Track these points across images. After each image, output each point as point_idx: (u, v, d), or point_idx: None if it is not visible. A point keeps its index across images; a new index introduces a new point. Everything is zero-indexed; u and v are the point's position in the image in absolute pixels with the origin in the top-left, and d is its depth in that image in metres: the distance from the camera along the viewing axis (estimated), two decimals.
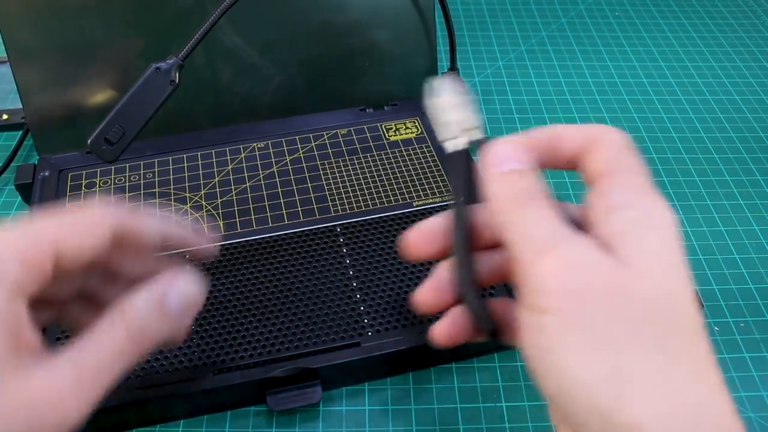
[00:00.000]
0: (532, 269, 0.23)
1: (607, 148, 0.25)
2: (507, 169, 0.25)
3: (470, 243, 0.27)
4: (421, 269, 0.41)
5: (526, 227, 0.24)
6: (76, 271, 0.26)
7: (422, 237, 0.28)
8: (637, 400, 0.21)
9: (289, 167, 0.48)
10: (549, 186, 0.24)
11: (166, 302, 0.26)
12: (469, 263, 0.26)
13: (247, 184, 0.47)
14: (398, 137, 0.50)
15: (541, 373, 0.24)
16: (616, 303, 0.22)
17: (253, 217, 0.44)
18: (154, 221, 0.29)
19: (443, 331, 0.28)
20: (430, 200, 0.45)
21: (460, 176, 0.28)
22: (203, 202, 0.45)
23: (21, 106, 0.48)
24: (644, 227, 0.23)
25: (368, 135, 0.50)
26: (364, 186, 0.46)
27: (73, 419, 0.24)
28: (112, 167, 0.48)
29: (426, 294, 0.28)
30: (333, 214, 0.44)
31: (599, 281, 0.22)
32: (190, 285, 0.28)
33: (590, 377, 0.21)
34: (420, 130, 0.50)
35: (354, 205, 0.45)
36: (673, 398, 0.21)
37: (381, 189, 0.46)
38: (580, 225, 0.24)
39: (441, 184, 0.46)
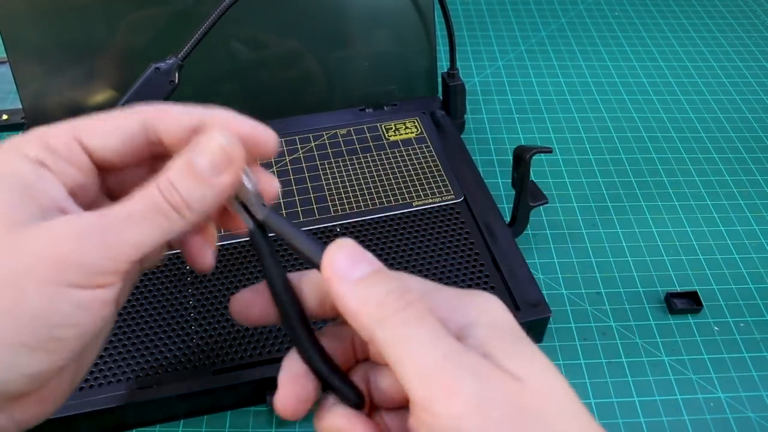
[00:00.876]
0: (435, 409, 0.20)
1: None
2: (362, 274, 0.22)
3: (304, 318, 0.24)
4: (421, 270, 0.41)
5: (414, 350, 0.21)
6: (112, 161, 0.24)
7: (244, 305, 0.26)
8: None
9: (289, 167, 0.48)
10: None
11: (194, 162, 0.23)
12: (312, 342, 0.24)
13: None
14: (398, 137, 0.50)
15: None
16: (520, 424, 0.20)
17: None
18: (182, 112, 0.25)
19: (289, 407, 0.26)
20: (430, 200, 0.45)
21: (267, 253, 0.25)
22: None
23: (21, 106, 0.48)
24: (502, 337, 0.23)
25: (368, 135, 0.50)
26: (363, 186, 0.46)
27: (99, 272, 0.22)
28: None
29: (287, 396, 0.25)
30: (333, 214, 0.44)
31: (503, 406, 0.20)
32: (219, 141, 0.24)
33: None
34: (420, 130, 0.50)
35: (354, 205, 0.45)
36: None
37: (381, 189, 0.46)
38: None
39: (441, 184, 0.46)
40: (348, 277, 0.22)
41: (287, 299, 0.24)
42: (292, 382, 0.25)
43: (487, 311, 0.23)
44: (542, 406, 0.21)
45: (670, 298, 0.43)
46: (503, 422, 0.20)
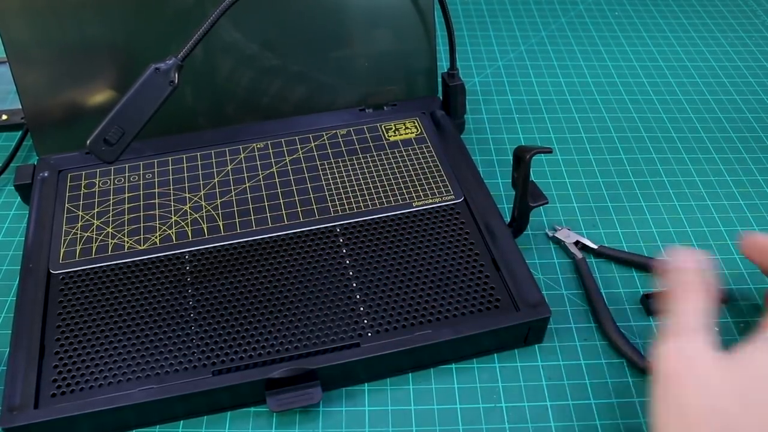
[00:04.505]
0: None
1: None
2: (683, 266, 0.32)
3: None
4: (421, 270, 0.41)
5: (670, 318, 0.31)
6: None
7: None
8: None
9: (289, 167, 0.48)
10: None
11: None
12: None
13: (247, 185, 0.47)
14: (398, 137, 0.50)
15: None
16: (696, 389, 0.28)
17: (252, 217, 0.44)
18: None
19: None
20: (430, 200, 0.45)
21: None
22: (203, 203, 0.45)
23: (21, 106, 0.48)
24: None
25: (368, 135, 0.50)
26: (363, 186, 0.46)
27: None
28: (112, 168, 0.48)
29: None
30: (332, 215, 0.44)
31: (687, 370, 0.28)
32: None
33: None
34: (420, 131, 0.50)
35: (354, 205, 0.45)
36: None
37: (381, 189, 0.46)
38: None
39: (441, 184, 0.46)
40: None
41: None
42: None
43: None
44: (711, 379, 0.27)
45: (645, 299, 0.43)
46: (682, 372, 0.27)
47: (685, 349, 0.28)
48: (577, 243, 0.45)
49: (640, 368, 0.37)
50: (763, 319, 0.33)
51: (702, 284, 0.31)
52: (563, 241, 0.46)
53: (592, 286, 0.43)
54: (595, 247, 0.45)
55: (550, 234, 0.47)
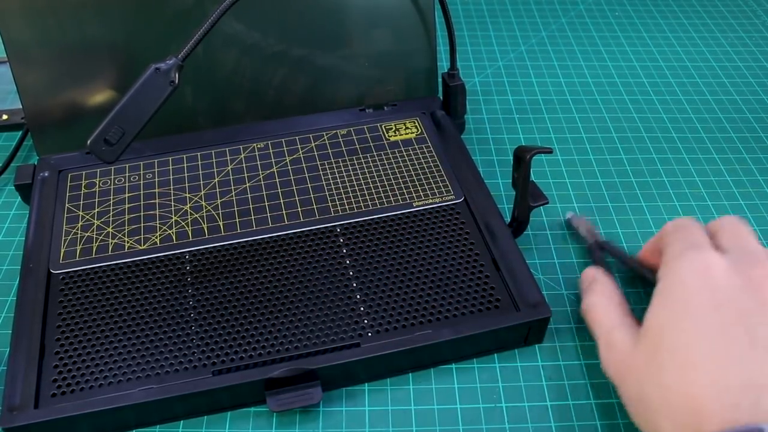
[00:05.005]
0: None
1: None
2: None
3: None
4: (421, 270, 0.41)
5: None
6: None
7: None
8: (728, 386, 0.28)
9: (289, 167, 0.48)
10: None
11: None
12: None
13: (247, 185, 0.47)
14: (398, 137, 0.50)
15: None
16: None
17: (252, 217, 0.44)
18: None
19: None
20: (430, 200, 0.45)
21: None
22: (203, 203, 0.45)
23: (21, 106, 0.48)
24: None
25: (368, 135, 0.50)
26: (364, 186, 0.46)
27: None
28: (112, 168, 0.48)
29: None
30: (333, 215, 0.44)
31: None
32: None
33: (677, 366, 0.30)
34: (420, 131, 0.50)
35: (354, 205, 0.45)
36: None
37: (381, 189, 0.46)
38: None
39: (441, 184, 0.46)
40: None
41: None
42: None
43: None
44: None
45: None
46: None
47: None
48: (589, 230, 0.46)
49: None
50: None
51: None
52: (578, 228, 0.46)
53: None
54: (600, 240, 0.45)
55: (568, 216, 0.48)
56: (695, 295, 0.31)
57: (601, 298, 0.38)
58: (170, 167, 0.48)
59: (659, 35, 0.69)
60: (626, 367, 0.33)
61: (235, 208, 0.45)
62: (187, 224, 0.44)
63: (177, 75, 0.39)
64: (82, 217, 0.45)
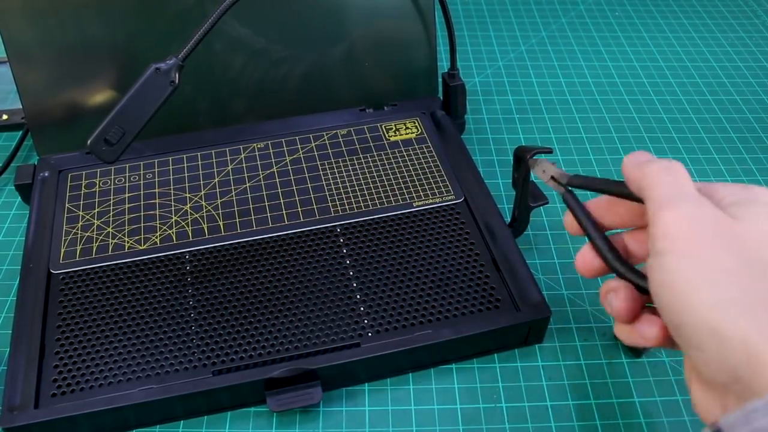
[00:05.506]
0: (657, 219, 0.28)
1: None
2: (645, 159, 0.31)
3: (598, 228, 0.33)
4: (421, 270, 0.41)
5: (662, 191, 0.29)
6: None
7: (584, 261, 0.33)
8: (742, 317, 0.25)
9: (289, 167, 0.48)
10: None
11: None
12: (605, 242, 0.32)
13: (247, 185, 0.47)
14: (398, 137, 0.50)
15: (664, 306, 0.28)
16: (726, 243, 0.27)
17: (253, 217, 0.44)
18: None
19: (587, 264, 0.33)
20: (430, 200, 0.45)
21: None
22: (203, 203, 0.45)
23: (21, 106, 0.48)
24: (749, 203, 0.28)
25: (368, 135, 0.50)
26: (364, 186, 0.46)
27: None
28: (112, 168, 0.48)
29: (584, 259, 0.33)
30: (333, 215, 0.44)
31: (711, 228, 0.27)
32: None
33: (699, 302, 0.26)
34: (420, 131, 0.50)
35: (354, 205, 0.45)
36: None
37: (381, 189, 0.46)
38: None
39: (441, 184, 0.46)
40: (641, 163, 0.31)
41: (592, 225, 0.33)
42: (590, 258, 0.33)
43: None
44: (749, 236, 0.27)
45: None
46: (706, 236, 0.27)
47: (693, 212, 0.28)
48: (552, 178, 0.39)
49: (641, 288, 0.33)
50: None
51: (677, 163, 0.31)
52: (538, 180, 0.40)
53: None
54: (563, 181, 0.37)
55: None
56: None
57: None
58: (170, 167, 0.48)
59: (659, 35, 0.69)
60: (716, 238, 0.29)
61: (235, 208, 0.45)
62: (187, 224, 0.44)
63: (177, 75, 0.39)
64: (82, 217, 0.45)
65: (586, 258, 0.33)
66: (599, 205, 0.34)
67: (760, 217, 0.27)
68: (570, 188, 0.35)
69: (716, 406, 0.26)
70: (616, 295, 0.32)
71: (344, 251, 0.42)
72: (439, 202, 0.45)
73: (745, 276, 0.26)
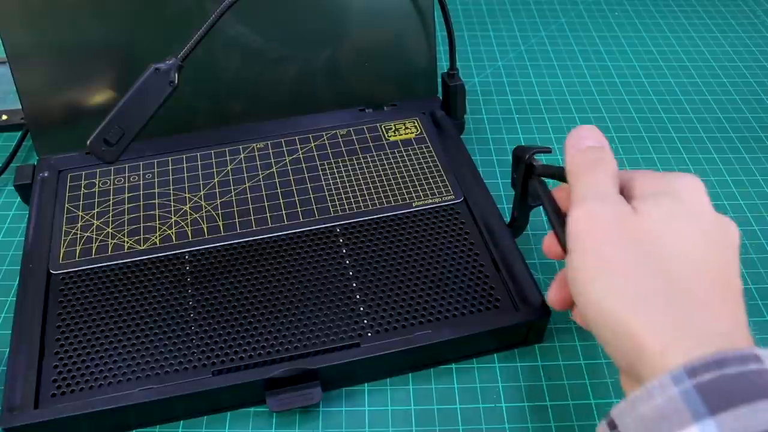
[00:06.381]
0: (568, 218, 0.30)
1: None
2: (584, 147, 0.32)
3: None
4: (421, 270, 0.41)
5: (578, 188, 0.31)
6: None
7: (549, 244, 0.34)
8: (629, 309, 0.27)
9: (289, 168, 0.48)
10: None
11: None
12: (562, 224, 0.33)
13: (247, 185, 0.47)
14: (398, 137, 0.50)
15: (575, 299, 0.30)
16: (624, 238, 0.28)
17: (252, 217, 0.44)
18: None
19: (555, 297, 0.34)
20: (430, 200, 0.45)
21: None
22: (203, 203, 0.45)
23: (21, 107, 0.48)
24: (657, 194, 0.30)
25: (368, 135, 0.50)
26: (363, 186, 0.46)
27: None
28: (112, 168, 0.48)
29: (554, 294, 0.34)
30: (332, 215, 0.44)
31: (612, 224, 0.29)
32: None
33: (595, 295, 0.28)
34: (419, 131, 0.50)
35: (353, 205, 0.45)
36: (663, 307, 0.26)
37: (380, 189, 0.46)
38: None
39: (440, 184, 0.46)
40: (577, 146, 0.33)
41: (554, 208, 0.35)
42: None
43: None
44: (647, 230, 0.28)
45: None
46: (607, 232, 0.29)
47: (595, 210, 0.30)
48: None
49: None
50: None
51: (607, 156, 0.32)
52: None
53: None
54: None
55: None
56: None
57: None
58: (170, 167, 0.48)
59: (659, 35, 0.69)
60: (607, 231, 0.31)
61: (235, 208, 0.45)
62: (186, 224, 0.44)
63: (177, 75, 0.39)
64: (82, 217, 0.45)
65: (546, 242, 0.35)
66: (560, 195, 0.35)
67: (661, 209, 0.29)
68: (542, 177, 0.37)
69: (630, 390, 0.28)
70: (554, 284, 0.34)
71: (344, 251, 0.42)
72: (439, 202, 0.45)
73: (640, 269, 0.28)
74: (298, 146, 0.49)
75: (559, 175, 0.36)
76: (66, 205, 0.46)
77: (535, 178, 0.38)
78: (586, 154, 0.32)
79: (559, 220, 0.34)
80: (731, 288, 0.28)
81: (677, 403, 0.24)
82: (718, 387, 0.23)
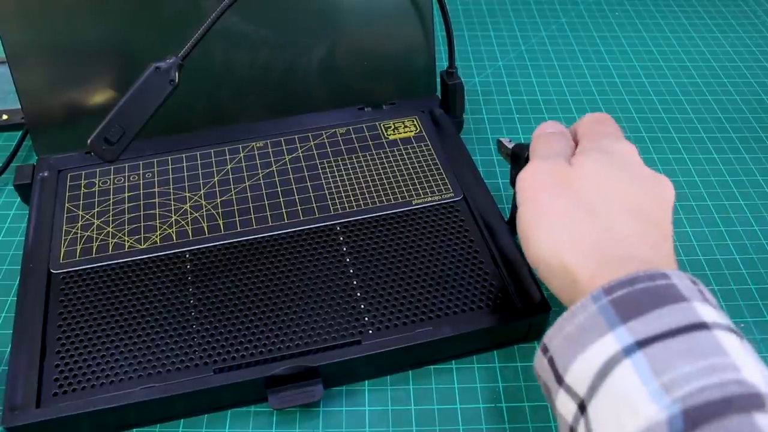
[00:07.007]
0: (519, 177, 0.35)
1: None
2: (548, 132, 0.38)
3: None
4: (421, 267, 0.41)
5: (531, 155, 0.37)
6: None
7: None
8: (567, 251, 0.30)
9: (288, 166, 0.48)
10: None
11: None
12: None
13: (247, 184, 0.47)
14: (397, 136, 0.50)
15: (524, 250, 0.33)
16: (560, 189, 0.33)
17: (252, 216, 0.44)
18: None
19: None
20: (429, 199, 0.45)
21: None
22: (203, 202, 0.45)
23: (20, 107, 0.48)
24: (589, 150, 0.35)
25: (367, 134, 0.50)
26: (363, 185, 0.46)
27: None
28: (111, 167, 0.48)
29: None
30: (332, 213, 0.44)
31: (550, 177, 0.33)
32: None
33: (537, 241, 0.32)
34: (419, 129, 0.50)
35: (353, 203, 0.45)
36: (590, 243, 0.30)
37: (380, 188, 0.46)
38: None
39: (440, 182, 0.46)
40: (542, 131, 0.38)
41: None
42: None
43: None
44: (577, 180, 0.33)
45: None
46: (545, 184, 0.33)
47: (537, 166, 0.34)
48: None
49: None
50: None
51: (563, 134, 0.38)
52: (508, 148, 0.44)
53: None
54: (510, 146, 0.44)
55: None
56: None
57: None
58: (170, 166, 0.48)
59: (659, 35, 0.69)
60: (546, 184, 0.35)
61: (235, 207, 0.45)
62: (187, 223, 0.44)
63: (177, 74, 0.39)
64: (82, 216, 0.45)
65: None
66: None
67: (591, 159, 0.34)
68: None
69: None
70: None
71: (344, 249, 0.42)
72: (438, 200, 0.45)
73: (572, 213, 0.32)
74: (298, 145, 0.49)
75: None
76: (66, 205, 0.46)
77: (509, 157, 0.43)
78: (544, 129, 0.38)
79: None
80: (660, 231, 0.32)
81: (595, 317, 0.27)
82: (630, 300, 0.27)
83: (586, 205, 0.32)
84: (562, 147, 0.36)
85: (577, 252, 0.30)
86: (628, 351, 0.25)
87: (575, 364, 0.27)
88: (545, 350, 0.29)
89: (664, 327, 0.26)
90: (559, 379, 0.28)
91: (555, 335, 0.29)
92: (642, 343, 0.25)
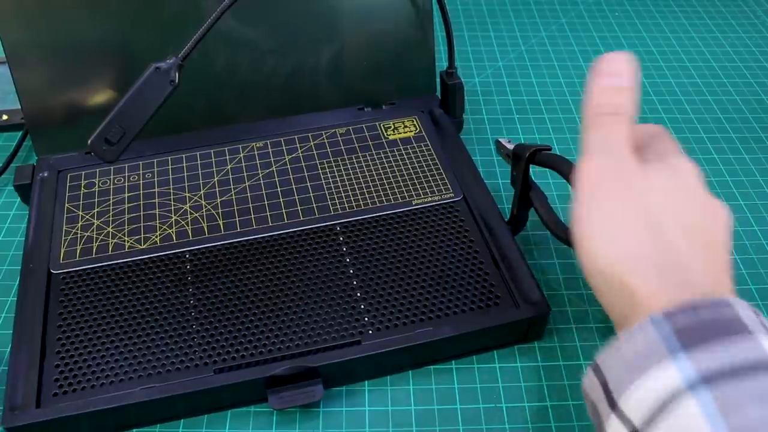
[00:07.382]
0: (576, 170, 0.32)
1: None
2: (607, 84, 0.34)
3: None
4: (421, 268, 0.41)
5: (588, 142, 0.32)
6: None
7: None
8: (625, 260, 0.29)
9: (288, 167, 0.48)
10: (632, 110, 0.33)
11: None
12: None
13: (247, 184, 0.47)
14: (397, 136, 0.50)
15: (577, 251, 0.31)
16: (629, 196, 0.30)
17: (252, 216, 0.44)
18: None
19: None
20: (429, 199, 0.45)
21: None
22: (203, 202, 0.45)
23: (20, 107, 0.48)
24: (660, 162, 0.31)
25: (367, 134, 0.50)
26: (363, 185, 0.46)
27: None
28: (111, 168, 0.48)
29: None
30: (332, 213, 0.44)
31: (617, 179, 0.30)
32: None
33: (597, 252, 0.29)
34: (418, 129, 0.50)
35: (353, 204, 0.45)
36: (653, 260, 0.28)
37: (380, 188, 0.46)
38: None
39: (440, 182, 0.46)
40: (601, 80, 0.35)
41: None
42: None
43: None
44: (643, 190, 0.30)
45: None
46: (609, 184, 0.30)
47: (599, 163, 0.31)
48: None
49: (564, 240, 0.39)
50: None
51: (621, 113, 0.33)
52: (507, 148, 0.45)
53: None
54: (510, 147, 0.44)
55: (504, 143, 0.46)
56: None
57: None
58: (170, 167, 0.48)
59: (659, 35, 0.69)
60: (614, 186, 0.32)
61: (235, 207, 0.45)
62: (187, 223, 0.44)
63: (177, 74, 0.39)
64: (82, 217, 0.45)
65: None
66: None
67: (661, 174, 0.31)
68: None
69: None
70: None
71: (344, 249, 0.42)
72: (438, 200, 0.45)
73: (638, 222, 0.29)
74: (298, 145, 0.49)
75: (558, 166, 0.37)
76: (66, 205, 0.46)
77: (534, 192, 0.42)
78: (601, 108, 0.33)
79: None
80: (719, 258, 0.30)
81: (655, 342, 0.26)
82: (692, 327, 0.25)
83: (655, 221, 0.29)
84: (620, 135, 0.32)
85: (639, 268, 0.28)
86: (693, 386, 0.24)
87: (631, 390, 0.26)
88: (597, 370, 0.28)
89: (729, 362, 0.24)
90: (612, 404, 0.27)
91: (610, 356, 0.27)
92: (708, 379, 0.24)
